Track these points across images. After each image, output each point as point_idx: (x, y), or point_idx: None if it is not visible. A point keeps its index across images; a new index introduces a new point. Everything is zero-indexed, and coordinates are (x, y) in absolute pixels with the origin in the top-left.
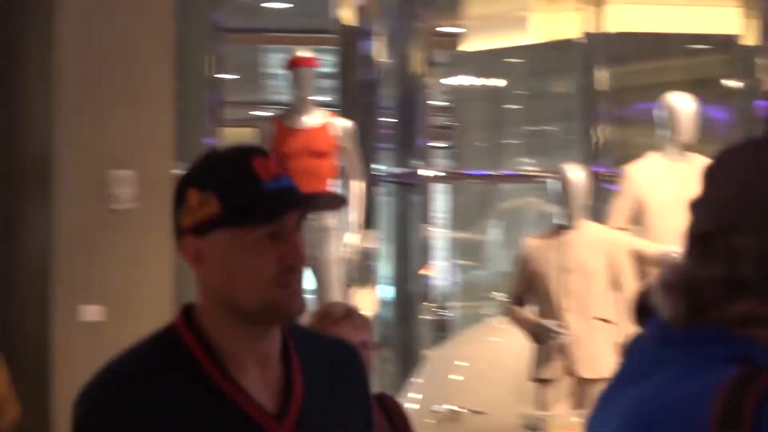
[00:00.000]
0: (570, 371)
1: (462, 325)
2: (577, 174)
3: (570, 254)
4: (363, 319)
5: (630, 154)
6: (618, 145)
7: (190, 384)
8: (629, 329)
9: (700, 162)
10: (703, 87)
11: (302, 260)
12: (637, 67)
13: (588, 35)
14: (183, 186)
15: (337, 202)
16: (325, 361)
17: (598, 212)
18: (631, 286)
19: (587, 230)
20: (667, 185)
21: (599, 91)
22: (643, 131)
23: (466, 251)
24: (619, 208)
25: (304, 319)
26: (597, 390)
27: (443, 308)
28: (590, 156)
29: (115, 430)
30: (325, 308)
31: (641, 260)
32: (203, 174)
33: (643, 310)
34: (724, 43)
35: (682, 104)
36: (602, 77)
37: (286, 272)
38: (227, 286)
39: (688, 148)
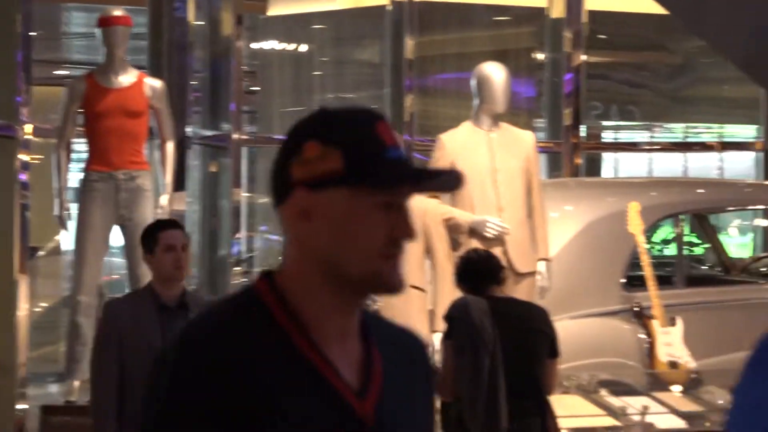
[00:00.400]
0: None
1: None
2: None
3: None
4: None
5: (434, 123)
6: (423, 114)
7: (277, 352)
8: (442, 297)
9: (511, 132)
10: (509, 58)
11: (412, 236)
12: (443, 36)
13: (396, 3)
14: (299, 136)
15: (456, 181)
16: (397, 345)
17: None
18: (444, 254)
19: None
20: (479, 154)
21: (407, 60)
22: (446, 101)
23: (269, 216)
24: None
25: None
26: None
27: (250, 273)
28: (399, 125)
29: (210, 387)
30: None
31: (454, 229)
32: (326, 127)
33: (463, 276)
34: (531, 14)
35: (495, 74)
36: (410, 46)
37: (393, 244)
38: (333, 247)
39: (501, 117)
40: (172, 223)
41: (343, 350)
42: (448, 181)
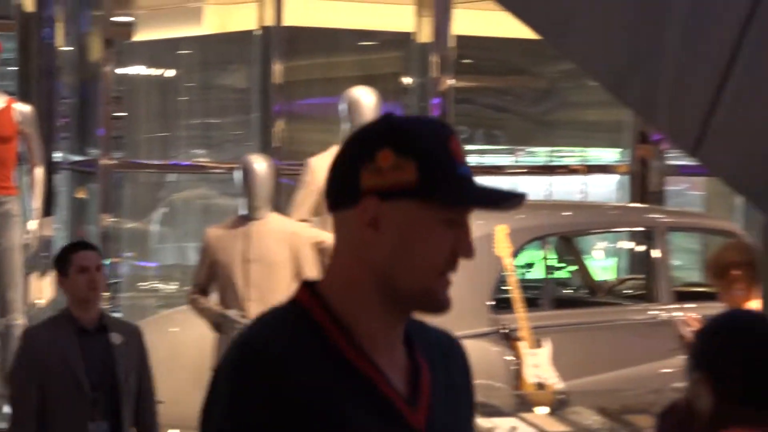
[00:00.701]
0: None
1: (130, 317)
2: (260, 165)
3: (253, 245)
4: None
5: (301, 148)
6: (289, 139)
7: (326, 361)
8: None
9: None
10: (376, 83)
11: (472, 254)
12: (310, 61)
13: (264, 28)
14: (371, 142)
15: (519, 203)
16: (436, 348)
17: (276, 205)
18: (314, 277)
19: (271, 221)
20: None
21: (276, 85)
22: (313, 126)
23: (134, 242)
24: (302, 200)
25: None
26: None
27: (116, 298)
28: (266, 150)
29: (267, 400)
30: None
31: (324, 252)
32: (400, 137)
33: None
34: (398, 40)
35: (364, 98)
36: (278, 71)
37: (452, 262)
38: (393, 258)
39: None
40: (85, 245)
41: (391, 359)
42: (513, 202)
